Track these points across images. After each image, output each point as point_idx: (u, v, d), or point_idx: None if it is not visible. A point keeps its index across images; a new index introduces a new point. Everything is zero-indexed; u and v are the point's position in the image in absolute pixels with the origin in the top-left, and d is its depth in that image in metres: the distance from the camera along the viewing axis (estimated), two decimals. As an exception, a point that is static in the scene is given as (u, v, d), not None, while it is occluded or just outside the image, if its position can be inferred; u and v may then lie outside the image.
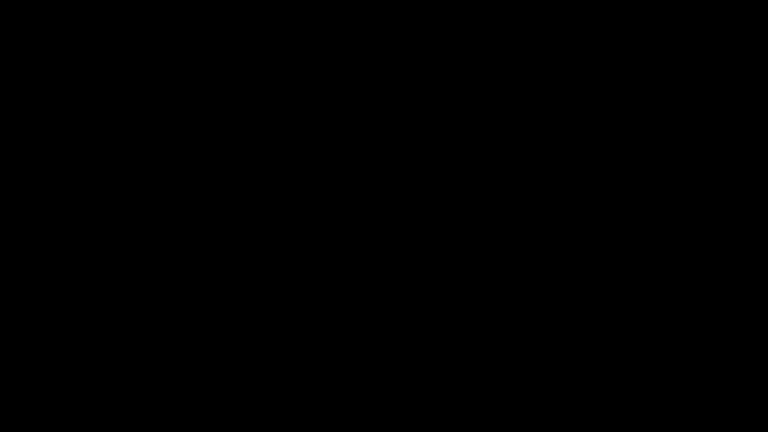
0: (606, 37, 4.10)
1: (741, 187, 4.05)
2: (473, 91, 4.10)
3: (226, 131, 3.94)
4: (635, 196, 4.16)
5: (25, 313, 3.70)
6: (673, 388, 3.97)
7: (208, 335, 3.83)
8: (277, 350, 3.87)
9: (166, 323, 3.82)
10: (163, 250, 3.83)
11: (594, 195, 4.17)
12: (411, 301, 3.91)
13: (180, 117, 3.93)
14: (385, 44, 4.09)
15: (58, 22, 3.76)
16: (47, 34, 3.75)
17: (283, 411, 3.83)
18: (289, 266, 3.92)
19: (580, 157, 4.14)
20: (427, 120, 4.04)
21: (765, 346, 3.91)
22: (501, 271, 4.04)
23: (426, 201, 4.00)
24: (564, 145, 4.12)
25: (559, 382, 4.09)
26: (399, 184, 4.01)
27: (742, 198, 4.05)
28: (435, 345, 3.90)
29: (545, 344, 4.10)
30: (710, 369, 3.94)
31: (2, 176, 3.74)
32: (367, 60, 4.08)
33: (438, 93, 4.11)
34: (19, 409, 3.64)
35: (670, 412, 3.94)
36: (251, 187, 3.91)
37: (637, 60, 4.10)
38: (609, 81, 4.15)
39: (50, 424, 3.67)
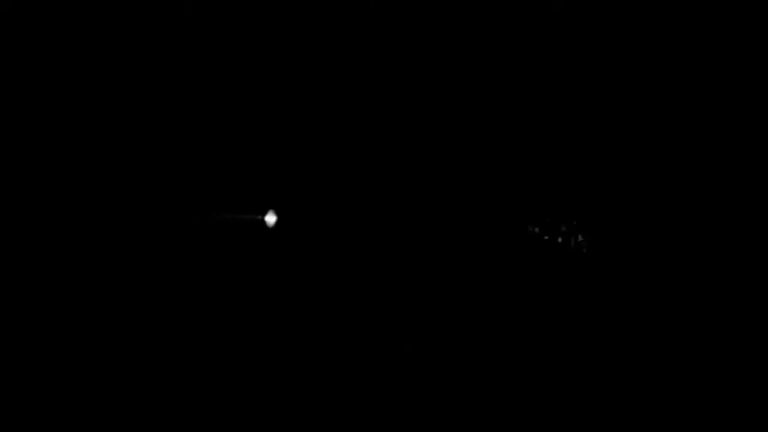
0: (605, 37, 4.09)
1: (741, 187, 4.05)
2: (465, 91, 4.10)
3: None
4: (636, 196, 4.16)
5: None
6: (673, 388, 3.96)
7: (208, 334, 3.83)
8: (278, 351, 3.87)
9: (164, 323, 3.82)
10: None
11: (594, 195, 4.17)
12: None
13: (179, 117, 3.93)
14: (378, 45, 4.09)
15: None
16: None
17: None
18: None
19: (579, 157, 4.14)
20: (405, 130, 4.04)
21: (765, 345, 3.91)
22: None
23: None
24: (562, 145, 4.11)
25: (558, 381, 4.09)
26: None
27: (742, 198, 4.05)
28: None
29: (545, 343, 4.11)
30: (710, 369, 3.94)
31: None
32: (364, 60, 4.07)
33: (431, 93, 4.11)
34: None
35: (670, 412, 3.94)
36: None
37: (635, 60, 4.10)
38: (607, 82, 4.15)
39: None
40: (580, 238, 4.32)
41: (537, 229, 4.41)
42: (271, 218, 4.02)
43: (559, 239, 4.39)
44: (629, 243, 4.14)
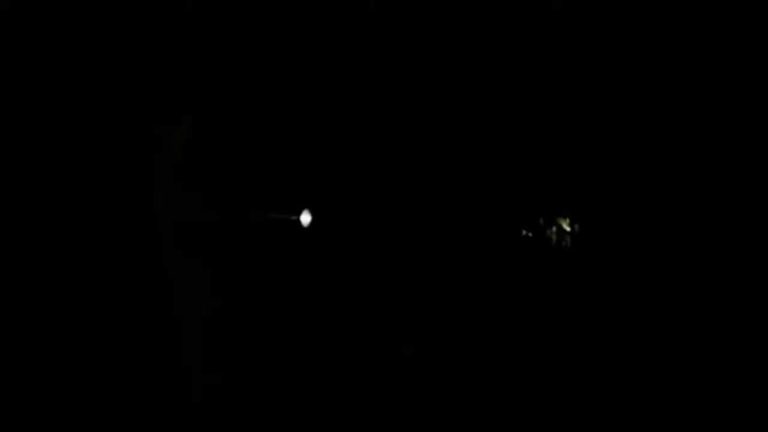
0: (605, 39, 4.10)
1: (741, 187, 4.05)
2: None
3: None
4: (637, 196, 4.16)
5: None
6: (672, 388, 3.97)
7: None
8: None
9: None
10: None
11: (595, 195, 4.18)
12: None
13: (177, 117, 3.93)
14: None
15: None
16: None
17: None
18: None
19: (575, 159, 4.14)
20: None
21: (765, 346, 3.91)
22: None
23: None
24: (560, 147, 4.11)
25: (558, 381, 4.08)
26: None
27: (741, 198, 4.05)
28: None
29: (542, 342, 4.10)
30: (710, 369, 3.94)
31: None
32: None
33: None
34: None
35: (669, 412, 3.94)
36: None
37: (634, 62, 4.10)
38: (606, 83, 4.15)
39: None
40: (576, 241, 4.33)
41: (533, 232, 4.42)
42: (306, 218, 4.03)
43: (554, 240, 4.39)
44: (625, 245, 4.14)
